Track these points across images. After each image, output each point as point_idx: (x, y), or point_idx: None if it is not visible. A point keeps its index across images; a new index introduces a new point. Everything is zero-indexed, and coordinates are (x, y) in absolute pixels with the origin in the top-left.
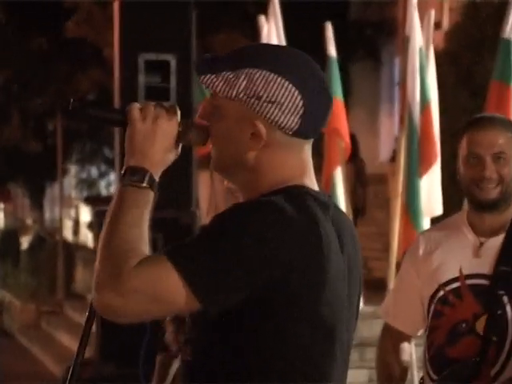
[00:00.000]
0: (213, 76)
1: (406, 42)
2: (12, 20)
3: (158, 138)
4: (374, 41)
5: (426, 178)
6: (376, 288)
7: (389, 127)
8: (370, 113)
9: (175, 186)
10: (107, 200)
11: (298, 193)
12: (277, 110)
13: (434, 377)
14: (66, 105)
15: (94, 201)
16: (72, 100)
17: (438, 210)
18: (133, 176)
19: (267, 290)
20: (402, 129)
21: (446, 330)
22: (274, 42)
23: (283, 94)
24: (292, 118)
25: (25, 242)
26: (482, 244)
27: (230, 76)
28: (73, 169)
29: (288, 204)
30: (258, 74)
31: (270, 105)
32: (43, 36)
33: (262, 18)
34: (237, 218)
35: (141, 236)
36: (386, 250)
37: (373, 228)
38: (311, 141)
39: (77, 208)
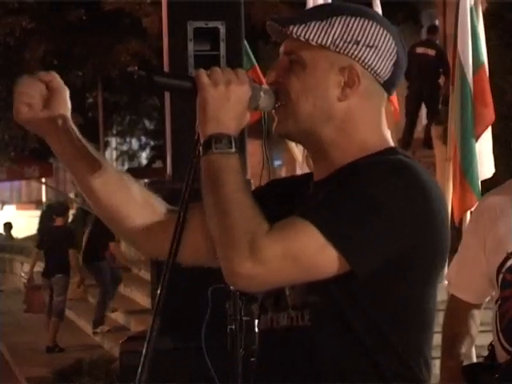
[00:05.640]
0: (302, 25)
1: (454, 1)
2: None
3: (232, 104)
4: (414, 4)
5: (478, 141)
6: None
7: None
8: None
9: None
10: (149, 171)
11: (407, 161)
12: (374, 55)
13: (509, 348)
14: (129, 73)
15: (135, 172)
16: (136, 68)
17: (490, 173)
18: (219, 143)
19: (409, 254)
20: (453, 90)
21: None
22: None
23: (380, 39)
24: (386, 65)
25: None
26: None
27: (322, 24)
28: (114, 141)
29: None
30: (352, 20)
31: (368, 49)
32: (81, 8)
33: None
34: (376, 179)
35: (252, 200)
36: None
37: None
38: None
39: None
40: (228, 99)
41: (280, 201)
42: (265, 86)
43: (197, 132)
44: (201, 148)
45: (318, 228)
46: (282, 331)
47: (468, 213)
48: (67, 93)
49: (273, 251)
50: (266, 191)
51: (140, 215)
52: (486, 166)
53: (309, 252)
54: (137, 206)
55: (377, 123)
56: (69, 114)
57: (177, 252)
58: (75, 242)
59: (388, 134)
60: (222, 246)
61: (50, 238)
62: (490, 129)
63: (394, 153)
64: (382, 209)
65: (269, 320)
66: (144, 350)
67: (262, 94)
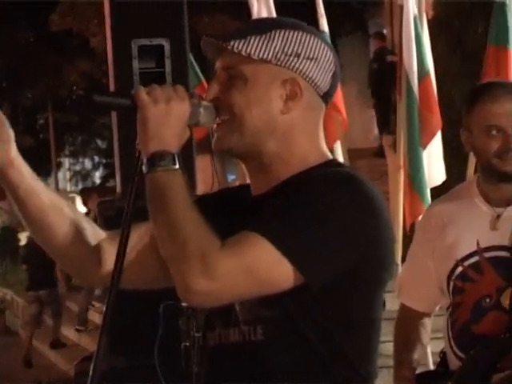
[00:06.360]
0: (242, 40)
1: (399, 10)
2: None
3: (172, 121)
4: (361, 14)
5: (428, 148)
6: None
7: None
8: (362, 86)
9: None
10: (103, 191)
11: (353, 173)
12: (315, 67)
13: (460, 354)
14: (70, 95)
15: (89, 192)
16: (75, 89)
17: (440, 180)
18: (162, 161)
19: (359, 264)
20: (400, 100)
21: (469, 306)
22: None
23: (319, 51)
24: (326, 77)
25: (23, 238)
26: (498, 216)
27: (262, 38)
28: (66, 162)
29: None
30: (291, 33)
31: (308, 61)
32: (29, 30)
33: None
34: (326, 190)
35: (201, 216)
36: None
37: None
38: None
39: (73, 201)
40: (169, 116)
41: (215, 216)
42: (204, 102)
43: (137, 150)
44: (144, 166)
45: (271, 242)
46: (233, 347)
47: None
48: (6, 121)
49: (227, 266)
50: (199, 207)
51: (85, 247)
52: (435, 173)
53: (263, 266)
54: (81, 235)
55: (317, 135)
56: (14, 144)
57: (121, 270)
58: None
59: (325, 146)
60: (174, 264)
61: (34, 252)
62: (439, 135)
63: (337, 165)
64: (334, 220)
65: (217, 336)
66: (91, 370)
67: (201, 110)
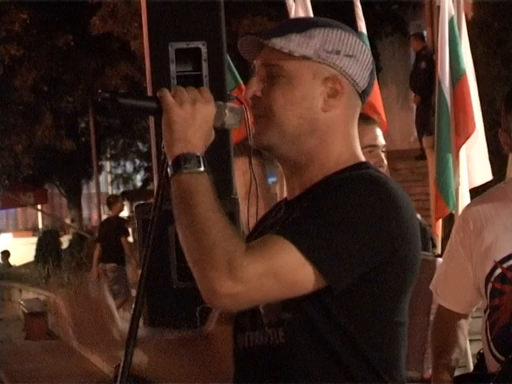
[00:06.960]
0: (283, 38)
1: (437, 11)
2: (37, 19)
3: (198, 123)
4: (401, 15)
5: (464, 150)
6: None
7: None
8: (402, 88)
9: (215, 174)
10: (144, 194)
11: (379, 176)
12: (354, 64)
13: (500, 357)
14: (95, 98)
15: (130, 195)
16: (101, 91)
17: (483, 180)
18: (188, 163)
19: (382, 267)
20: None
21: (509, 308)
22: None
23: (358, 49)
24: (364, 75)
25: (65, 241)
26: None
27: (302, 36)
28: (107, 165)
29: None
30: (330, 31)
31: (348, 58)
32: (69, 34)
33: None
34: (350, 193)
35: (227, 219)
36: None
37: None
38: None
39: None
40: (194, 118)
41: (256, 227)
42: (230, 104)
43: (163, 152)
44: (169, 169)
45: (295, 245)
46: (259, 349)
47: (440, 221)
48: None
49: (253, 269)
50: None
51: None
52: (477, 173)
53: (288, 269)
54: None
55: (352, 135)
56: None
57: (148, 275)
58: (125, 230)
59: (358, 147)
60: (199, 267)
61: (104, 228)
62: (483, 136)
63: (365, 167)
64: (357, 224)
65: (246, 339)
66: (120, 375)
67: (227, 111)
